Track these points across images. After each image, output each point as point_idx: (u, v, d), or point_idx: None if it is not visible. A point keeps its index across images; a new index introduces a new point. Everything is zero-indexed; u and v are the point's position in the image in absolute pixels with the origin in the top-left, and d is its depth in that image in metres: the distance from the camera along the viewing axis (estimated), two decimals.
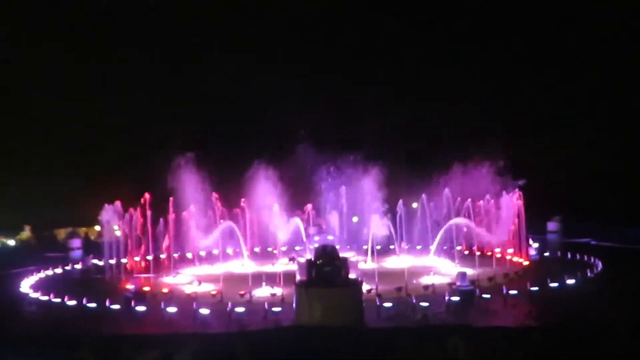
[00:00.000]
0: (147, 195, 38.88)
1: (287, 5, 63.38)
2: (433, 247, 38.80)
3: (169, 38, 65.35)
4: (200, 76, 64.20)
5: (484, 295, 26.26)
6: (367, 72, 62.90)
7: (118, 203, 39.15)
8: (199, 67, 65.46)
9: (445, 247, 39.49)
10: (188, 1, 66.97)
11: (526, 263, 36.77)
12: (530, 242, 39.46)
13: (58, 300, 27.88)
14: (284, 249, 40.74)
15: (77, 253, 42.04)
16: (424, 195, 40.96)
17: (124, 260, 38.66)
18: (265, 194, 41.19)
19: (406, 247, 40.39)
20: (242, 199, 41.63)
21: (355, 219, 43.44)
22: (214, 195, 40.36)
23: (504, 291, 26.43)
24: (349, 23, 65.87)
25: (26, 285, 32.52)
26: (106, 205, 39.01)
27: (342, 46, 65.41)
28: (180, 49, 66.00)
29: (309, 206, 42.57)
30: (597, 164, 56.16)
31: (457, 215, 38.71)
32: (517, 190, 38.19)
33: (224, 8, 63.39)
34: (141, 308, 25.76)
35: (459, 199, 39.33)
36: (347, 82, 61.11)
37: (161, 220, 39.35)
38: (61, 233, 57.02)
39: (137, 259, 39.53)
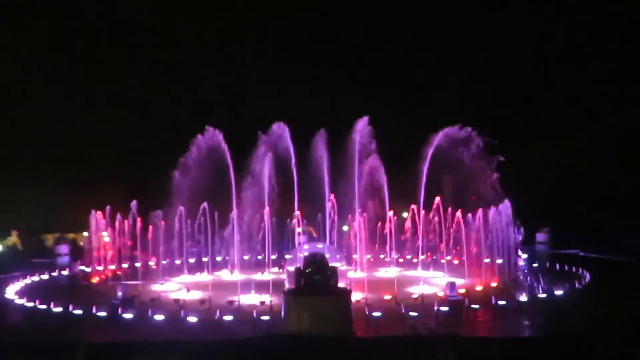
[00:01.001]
0: (135, 202, 38.64)
1: None
2: (420, 258, 38.89)
3: (162, 40, 65.31)
4: (191, 81, 64.32)
5: (473, 306, 26.29)
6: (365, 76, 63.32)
7: (107, 209, 38.91)
8: (191, 71, 65.54)
9: (434, 258, 39.51)
10: (184, 5, 66.89)
11: (515, 274, 36.80)
12: (519, 253, 39.56)
13: (44, 306, 27.55)
14: (273, 257, 40.60)
15: (65, 259, 41.70)
16: (413, 206, 40.98)
17: (111, 267, 38.31)
18: (255, 202, 40.91)
19: (396, 256, 40.42)
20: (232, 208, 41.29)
21: (345, 228, 43.36)
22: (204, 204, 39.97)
23: (493, 301, 26.56)
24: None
25: (12, 291, 32.14)
26: (94, 212, 38.74)
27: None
28: (173, 52, 65.99)
29: (298, 213, 42.37)
30: (587, 175, 56.57)
31: (447, 225, 38.76)
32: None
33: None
34: (128, 315, 25.51)
35: (449, 209, 39.34)
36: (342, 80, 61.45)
37: (150, 227, 39.08)
38: (49, 239, 56.48)
39: (125, 265, 39.21)
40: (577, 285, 30.95)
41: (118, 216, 39.49)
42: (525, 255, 39.99)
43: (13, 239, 56.81)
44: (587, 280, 32.95)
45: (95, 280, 37.34)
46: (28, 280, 36.12)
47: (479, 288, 31.02)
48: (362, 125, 38.03)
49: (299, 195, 38.71)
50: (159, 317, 24.80)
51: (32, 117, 62.52)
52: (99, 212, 39.17)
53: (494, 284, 32.39)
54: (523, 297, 27.59)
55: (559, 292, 28.75)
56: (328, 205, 39.50)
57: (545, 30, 64.58)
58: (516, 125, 62.21)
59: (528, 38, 65.23)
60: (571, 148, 59.30)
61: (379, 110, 41.03)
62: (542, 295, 28.23)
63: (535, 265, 39.85)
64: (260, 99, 60.05)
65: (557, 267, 38.18)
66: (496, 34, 64.09)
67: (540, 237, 44.81)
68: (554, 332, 21.28)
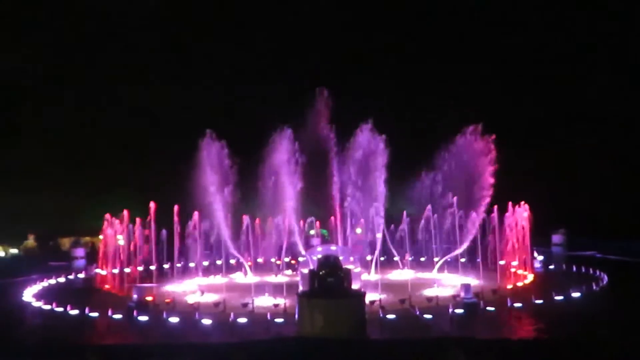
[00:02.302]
0: (152, 205, 38.85)
1: None
2: (438, 263, 38.63)
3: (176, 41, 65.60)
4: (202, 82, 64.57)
5: (488, 308, 26.11)
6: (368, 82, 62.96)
7: (123, 213, 39.14)
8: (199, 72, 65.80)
9: (449, 259, 39.26)
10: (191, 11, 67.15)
11: (531, 276, 36.47)
12: (535, 254, 39.18)
13: (61, 309, 27.86)
14: (287, 259, 40.57)
15: (81, 262, 42.12)
16: (429, 207, 40.80)
17: (127, 270, 38.52)
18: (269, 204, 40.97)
19: (410, 258, 40.23)
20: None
21: (358, 230, 43.23)
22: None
23: (509, 304, 26.36)
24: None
25: (29, 294, 32.54)
26: (110, 215, 39.03)
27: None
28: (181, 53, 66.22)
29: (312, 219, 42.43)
30: (603, 175, 55.92)
31: (461, 227, 38.49)
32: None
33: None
34: (143, 318, 25.69)
35: (461, 211, 39.01)
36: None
37: (164, 230, 39.27)
38: (65, 242, 57.09)
39: (140, 268, 39.44)
40: (594, 288, 30.60)
41: (136, 220, 39.69)
42: (541, 257, 39.62)
43: (30, 242, 57.53)
44: (604, 282, 32.54)
45: (110, 282, 37.60)
46: (45, 283, 36.58)
47: (494, 290, 30.75)
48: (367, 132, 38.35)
49: (312, 198, 38.80)
50: (174, 319, 24.94)
51: (48, 121, 63.20)
52: (114, 216, 39.40)
53: (509, 286, 32.14)
54: (539, 300, 27.35)
55: (575, 295, 28.43)
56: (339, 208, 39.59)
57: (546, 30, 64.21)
58: (533, 124, 61.71)
59: (528, 38, 64.73)
60: (587, 148, 58.71)
61: (380, 112, 40.97)
62: (559, 298, 27.93)
63: (551, 267, 39.49)
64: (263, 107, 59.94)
65: (574, 269, 37.76)
66: (497, 33, 63.70)
67: (556, 238, 44.33)
68: (570, 335, 21.06)
